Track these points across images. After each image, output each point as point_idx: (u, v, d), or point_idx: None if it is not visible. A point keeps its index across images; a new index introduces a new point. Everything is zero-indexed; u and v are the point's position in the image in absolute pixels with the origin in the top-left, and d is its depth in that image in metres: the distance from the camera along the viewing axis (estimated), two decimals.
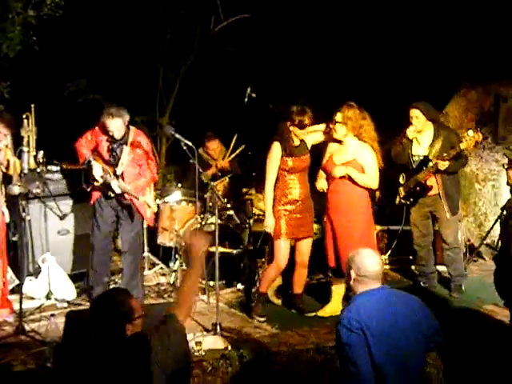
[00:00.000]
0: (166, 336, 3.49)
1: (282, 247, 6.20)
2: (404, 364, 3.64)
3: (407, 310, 3.76)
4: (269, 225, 6.18)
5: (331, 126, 6.11)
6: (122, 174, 6.41)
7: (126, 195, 6.41)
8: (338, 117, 6.05)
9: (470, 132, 6.28)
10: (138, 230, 6.63)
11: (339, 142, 6.16)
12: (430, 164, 6.46)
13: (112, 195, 6.41)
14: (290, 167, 6.17)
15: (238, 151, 7.98)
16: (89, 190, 6.48)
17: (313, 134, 6.29)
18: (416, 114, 6.52)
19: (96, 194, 6.47)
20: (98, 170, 6.33)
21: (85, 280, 6.78)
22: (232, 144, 7.99)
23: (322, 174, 6.31)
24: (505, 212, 6.63)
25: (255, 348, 5.48)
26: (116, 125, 6.28)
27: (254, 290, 6.70)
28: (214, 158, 8.18)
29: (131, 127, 6.50)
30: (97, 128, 6.46)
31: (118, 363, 3.40)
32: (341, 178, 6.12)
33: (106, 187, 6.37)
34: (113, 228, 6.63)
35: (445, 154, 6.39)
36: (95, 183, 6.39)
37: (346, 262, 3.91)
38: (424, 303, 3.91)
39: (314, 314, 6.34)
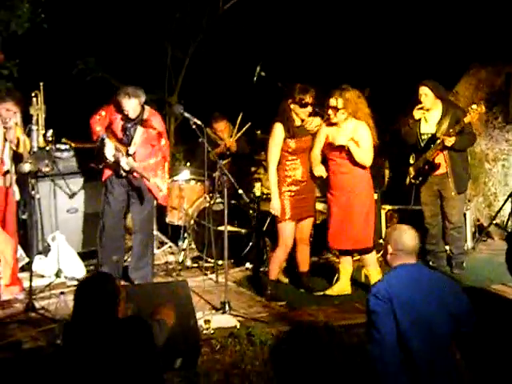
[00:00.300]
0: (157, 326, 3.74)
1: (287, 229, 6.19)
2: (429, 339, 3.72)
3: (436, 289, 3.84)
4: (275, 208, 6.14)
5: (329, 112, 6.06)
6: (134, 153, 6.40)
7: (136, 174, 6.40)
8: (339, 103, 6.00)
9: (474, 105, 6.25)
10: (149, 210, 6.62)
11: (335, 124, 6.15)
12: (438, 141, 6.43)
13: (123, 174, 6.40)
14: (292, 149, 6.14)
15: (243, 130, 7.94)
16: (100, 167, 6.47)
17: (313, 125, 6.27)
18: (425, 92, 6.49)
19: (107, 172, 6.46)
20: (110, 148, 6.32)
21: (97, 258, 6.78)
22: (238, 123, 7.94)
23: (316, 159, 6.25)
24: None
25: (264, 326, 5.49)
26: (132, 105, 6.25)
27: (261, 269, 6.71)
28: (222, 138, 8.14)
29: (146, 107, 6.46)
30: (111, 105, 6.42)
31: (121, 343, 3.45)
32: (341, 158, 6.10)
33: (117, 165, 6.36)
34: (124, 206, 6.60)
35: (451, 130, 6.36)
36: (107, 161, 6.37)
37: (384, 237, 4.08)
38: (460, 288, 4.02)
39: (322, 292, 6.34)
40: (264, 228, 7.16)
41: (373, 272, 6.27)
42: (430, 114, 6.56)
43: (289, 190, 6.17)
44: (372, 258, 6.34)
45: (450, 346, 3.86)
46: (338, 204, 6.22)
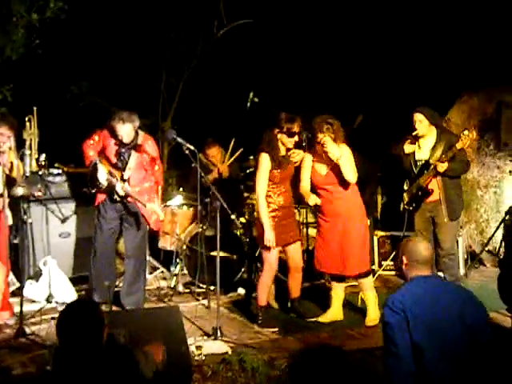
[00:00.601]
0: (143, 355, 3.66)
1: (273, 255, 6.18)
2: (445, 351, 3.71)
3: (452, 301, 3.84)
4: (270, 239, 6.10)
5: (320, 147, 6.08)
6: (129, 178, 6.40)
7: (131, 199, 6.40)
8: (329, 138, 6.03)
9: (465, 131, 6.28)
10: (142, 235, 6.60)
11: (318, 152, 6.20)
12: (431, 167, 6.46)
13: (118, 199, 6.40)
14: (278, 179, 6.15)
15: (236, 155, 7.96)
16: (93, 192, 6.44)
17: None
18: (419, 118, 6.52)
19: (100, 197, 6.44)
20: (102, 173, 6.32)
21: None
22: (230, 148, 7.97)
23: (306, 190, 6.26)
24: (508, 217, 6.61)
25: (255, 353, 5.47)
26: (126, 130, 6.26)
27: (253, 295, 6.69)
28: (214, 163, 8.15)
29: (140, 132, 6.46)
30: (105, 130, 6.42)
31: (105, 373, 3.38)
32: (332, 185, 6.13)
33: (110, 190, 6.36)
34: (116, 231, 6.59)
35: (443, 156, 6.39)
36: (100, 186, 6.37)
37: (399, 249, 4.10)
38: (477, 299, 4.00)
39: (314, 319, 6.32)
40: (256, 253, 7.16)
41: (369, 296, 6.27)
42: (424, 140, 6.59)
43: (273, 216, 6.15)
44: (369, 282, 6.33)
45: (467, 358, 3.79)
46: (334, 231, 6.20)
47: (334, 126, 6.06)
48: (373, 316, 6.18)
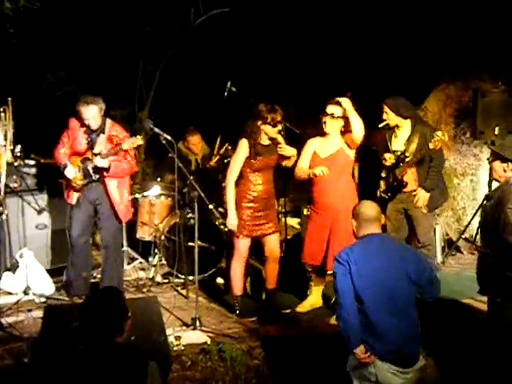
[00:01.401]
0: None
1: (243, 244, 6.18)
2: (388, 302, 4.11)
3: (396, 255, 4.24)
4: (232, 223, 6.11)
5: (327, 119, 6.04)
6: (100, 151, 6.37)
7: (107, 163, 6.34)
8: (339, 111, 5.99)
9: (439, 133, 6.28)
10: (117, 225, 6.59)
11: (322, 135, 6.14)
12: (407, 160, 6.45)
13: (97, 177, 6.35)
14: (255, 167, 6.12)
15: (222, 150, 7.91)
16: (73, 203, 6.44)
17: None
18: (385, 110, 6.51)
19: (74, 194, 6.42)
20: (70, 170, 6.33)
21: (65, 275, 6.72)
22: (217, 145, 7.92)
23: (305, 170, 6.18)
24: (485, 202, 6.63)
25: (234, 342, 5.48)
26: (92, 112, 6.24)
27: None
28: (195, 152, 8.14)
29: (107, 119, 6.45)
30: (71, 124, 6.41)
31: (111, 373, 3.34)
32: (330, 177, 6.02)
33: (88, 175, 6.34)
34: (91, 222, 6.57)
35: (413, 159, 6.37)
36: (77, 186, 6.37)
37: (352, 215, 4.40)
38: (422, 258, 4.46)
39: (289, 310, 6.31)
40: None
41: None
42: (400, 131, 6.59)
43: (249, 207, 6.13)
44: None
45: (411, 310, 4.20)
46: (323, 223, 6.12)
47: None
48: None
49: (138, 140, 6.37)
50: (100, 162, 6.30)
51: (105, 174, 6.39)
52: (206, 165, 7.98)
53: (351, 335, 4.14)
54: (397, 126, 6.57)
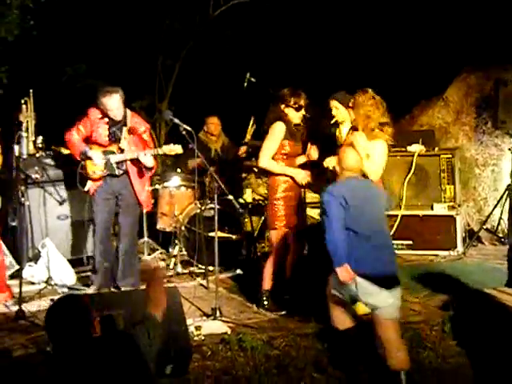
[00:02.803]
0: (146, 333, 3.56)
1: (282, 236, 6.02)
2: (370, 221, 4.92)
3: (375, 192, 5.17)
4: (303, 175, 6.00)
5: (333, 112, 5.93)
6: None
7: (130, 162, 6.37)
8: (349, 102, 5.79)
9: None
10: (136, 215, 6.62)
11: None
12: None
13: (119, 173, 6.38)
14: (288, 151, 6.00)
15: (251, 131, 7.86)
16: (86, 189, 6.42)
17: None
18: (335, 105, 6.02)
19: (95, 185, 6.40)
20: (97, 157, 6.32)
21: (93, 264, 6.69)
22: (250, 128, 7.86)
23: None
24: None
25: (254, 332, 5.48)
26: (115, 101, 6.24)
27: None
28: (214, 134, 8.11)
29: (127, 110, 6.47)
30: (91, 115, 6.38)
31: (104, 359, 3.34)
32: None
33: (110, 168, 6.35)
34: (113, 211, 6.57)
35: None
36: (94, 176, 6.36)
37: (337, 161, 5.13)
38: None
39: None
40: (255, 234, 7.16)
41: None
42: (342, 126, 6.11)
43: (284, 197, 6.00)
44: None
45: (385, 225, 5.22)
46: None
47: (358, 98, 5.72)
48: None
49: (178, 149, 6.36)
50: (144, 159, 6.29)
51: (129, 169, 6.41)
52: (231, 154, 7.99)
53: (338, 253, 4.78)
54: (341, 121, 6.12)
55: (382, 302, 4.79)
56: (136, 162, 6.40)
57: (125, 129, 6.39)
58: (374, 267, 4.80)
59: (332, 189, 4.97)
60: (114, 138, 6.39)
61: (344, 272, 4.77)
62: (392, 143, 5.82)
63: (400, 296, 4.97)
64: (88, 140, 6.40)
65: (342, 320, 5.07)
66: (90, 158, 6.32)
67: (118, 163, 6.35)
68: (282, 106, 6.00)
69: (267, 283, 6.10)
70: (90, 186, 6.41)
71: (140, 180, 6.49)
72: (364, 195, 5.01)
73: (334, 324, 5.11)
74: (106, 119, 6.35)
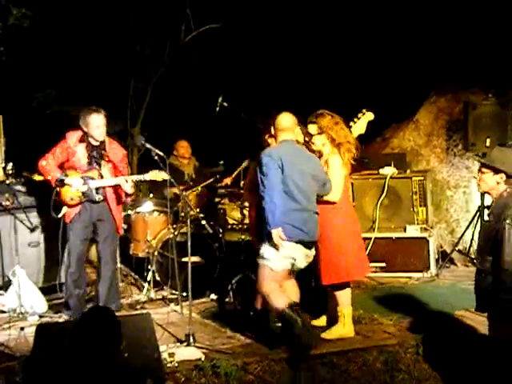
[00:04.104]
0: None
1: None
2: (303, 186, 5.41)
3: (308, 159, 5.59)
4: None
5: (307, 139, 5.87)
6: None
7: (110, 188, 6.36)
8: (313, 129, 5.84)
9: (352, 123, 6.19)
10: (117, 239, 6.61)
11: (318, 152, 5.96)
12: None
13: (100, 198, 6.33)
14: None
15: (241, 167, 7.84)
16: (59, 216, 6.34)
17: None
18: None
19: (72, 212, 6.33)
20: (76, 183, 6.26)
21: (64, 293, 6.60)
22: (242, 167, 7.80)
23: None
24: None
25: (229, 358, 5.44)
26: (101, 119, 6.24)
27: (226, 300, 6.64)
28: (185, 156, 8.16)
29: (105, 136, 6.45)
30: (68, 139, 6.34)
31: None
32: None
33: (90, 195, 6.29)
34: (88, 239, 6.52)
35: None
36: (71, 202, 6.29)
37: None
38: (319, 161, 5.72)
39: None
40: (228, 258, 7.13)
41: (346, 311, 5.88)
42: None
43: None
44: (346, 296, 5.92)
45: (315, 199, 5.57)
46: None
47: (320, 121, 5.86)
48: (345, 331, 5.84)
49: (164, 175, 6.30)
50: (126, 185, 6.28)
51: (108, 195, 6.36)
52: (226, 182, 8.04)
53: (275, 215, 5.23)
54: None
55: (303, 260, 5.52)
56: (115, 188, 6.38)
57: (104, 154, 6.36)
58: (301, 229, 5.38)
59: (270, 151, 5.44)
60: (94, 163, 6.35)
61: (277, 235, 5.26)
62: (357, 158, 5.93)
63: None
64: (62, 165, 6.35)
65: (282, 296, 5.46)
66: (67, 185, 6.26)
67: (97, 189, 6.31)
68: (266, 136, 6.00)
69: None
70: (64, 211, 6.34)
71: (118, 206, 6.49)
72: (297, 159, 5.43)
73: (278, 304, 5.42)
74: (85, 144, 6.31)
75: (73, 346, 3.41)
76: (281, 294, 5.52)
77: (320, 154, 5.88)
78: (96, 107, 6.31)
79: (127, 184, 6.31)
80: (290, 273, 5.66)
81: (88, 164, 6.34)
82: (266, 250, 5.47)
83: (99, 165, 6.35)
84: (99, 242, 6.51)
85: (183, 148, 8.22)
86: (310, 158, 5.64)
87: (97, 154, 6.35)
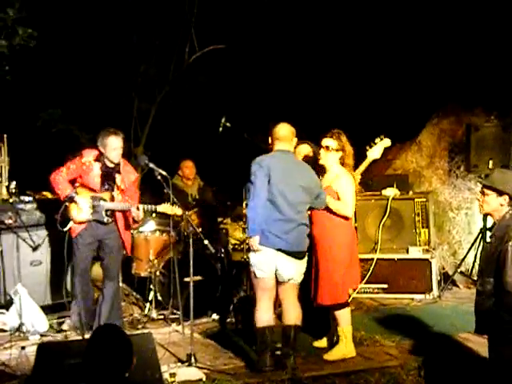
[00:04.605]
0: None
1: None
2: (287, 199, 5.47)
3: (300, 170, 5.65)
4: None
5: (322, 152, 5.92)
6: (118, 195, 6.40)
7: (119, 212, 6.39)
8: (334, 144, 5.88)
9: (368, 147, 6.29)
10: (120, 260, 6.62)
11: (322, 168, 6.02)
12: None
13: (109, 221, 6.34)
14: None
15: None
16: (65, 229, 6.32)
17: None
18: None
19: (77, 228, 6.32)
20: (85, 203, 6.26)
21: (73, 310, 6.58)
22: None
23: None
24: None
25: (230, 378, 5.42)
26: (120, 141, 6.27)
27: (228, 320, 6.63)
28: (189, 177, 8.18)
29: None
30: (84, 157, 6.33)
31: None
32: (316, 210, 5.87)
33: (99, 215, 6.29)
34: (92, 257, 6.52)
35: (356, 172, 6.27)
36: (78, 219, 6.30)
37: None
38: (314, 174, 5.73)
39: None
40: (231, 277, 7.12)
41: (346, 331, 5.88)
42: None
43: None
44: (345, 315, 5.93)
45: (306, 212, 5.65)
46: (313, 255, 5.93)
47: (342, 137, 5.96)
48: (346, 350, 5.85)
49: (178, 211, 6.34)
50: (136, 212, 6.28)
51: (117, 217, 6.38)
52: (207, 197, 8.07)
53: (255, 223, 5.41)
54: None
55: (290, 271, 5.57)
56: (123, 211, 6.40)
57: (118, 176, 6.38)
58: (280, 238, 5.47)
59: (260, 160, 5.53)
60: (107, 184, 6.35)
61: (254, 241, 5.46)
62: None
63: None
64: (74, 181, 6.35)
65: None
66: (75, 203, 6.26)
67: (107, 211, 6.32)
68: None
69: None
70: (70, 225, 6.31)
71: (126, 227, 6.50)
72: (287, 169, 5.51)
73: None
74: (100, 164, 6.32)
75: (86, 363, 3.42)
76: (266, 309, 5.61)
77: (324, 169, 5.94)
78: (115, 129, 6.31)
79: (138, 211, 6.30)
80: (292, 290, 5.67)
81: (101, 184, 6.34)
82: (251, 255, 5.65)
83: (111, 186, 6.37)
84: (104, 259, 6.53)
85: (188, 168, 8.26)
86: (303, 169, 5.68)
87: (110, 176, 6.36)
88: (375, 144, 6.35)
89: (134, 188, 6.58)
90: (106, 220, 6.32)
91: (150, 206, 6.42)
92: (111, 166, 6.34)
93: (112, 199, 6.34)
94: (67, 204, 6.25)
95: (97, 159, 6.32)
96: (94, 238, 6.39)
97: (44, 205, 7.14)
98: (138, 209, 6.29)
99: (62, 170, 6.33)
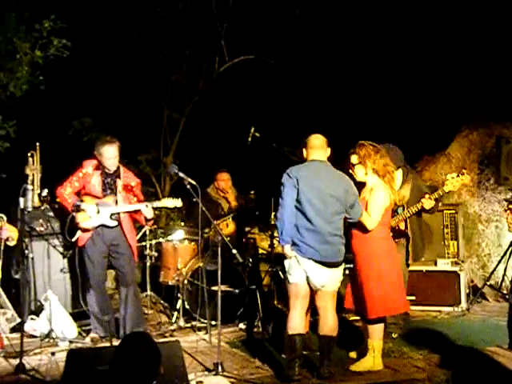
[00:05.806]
0: None
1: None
2: (321, 212, 5.46)
3: (333, 180, 5.56)
4: None
5: (350, 170, 5.89)
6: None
7: (126, 213, 6.51)
8: (354, 159, 5.86)
9: (449, 176, 6.22)
10: (133, 263, 6.68)
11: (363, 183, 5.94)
12: (400, 210, 6.28)
13: (115, 224, 6.44)
14: None
15: None
16: (73, 240, 6.46)
17: None
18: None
19: (85, 236, 6.45)
20: (91, 209, 6.40)
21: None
22: None
23: None
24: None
25: None
26: (116, 151, 6.41)
27: (255, 330, 6.63)
28: (226, 190, 8.12)
29: (120, 165, 6.60)
30: (84, 167, 6.51)
31: None
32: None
33: (105, 220, 6.42)
34: (106, 263, 6.60)
35: (429, 196, 6.28)
36: (86, 226, 6.41)
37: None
38: (352, 184, 5.66)
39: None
40: (258, 287, 7.13)
41: (377, 345, 5.84)
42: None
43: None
44: (379, 330, 5.87)
45: (339, 222, 5.57)
46: (355, 267, 5.91)
47: (360, 151, 5.88)
48: (374, 363, 5.79)
49: (178, 203, 6.58)
50: (146, 211, 6.45)
51: (122, 219, 6.48)
52: (228, 200, 8.05)
53: (285, 233, 5.43)
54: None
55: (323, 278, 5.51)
56: (130, 214, 6.54)
57: (119, 181, 6.51)
58: (313, 247, 5.46)
59: (290, 170, 5.54)
60: (109, 190, 6.49)
61: (287, 249, 5.48)
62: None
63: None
64: (79, 192, 6.51)
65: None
66: (82, 210, 6.38)
67: (112, 214, 6.43)
68: None
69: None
70: (78, 235, 6.46)
71: (131, 229, 6.62)
72: (317, 178, 5.49)
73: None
74: (100, 171, 6.47)
75: (114, 370, 3.45)
76: (298, 317, 5.57)
77: (363, 184, 5.90)
78: (110, 138, 6.47)
79: (147, 209, 6.46)
80: (327, 297, 5.60)
81: (103, 191, 6.49)
82: (285, 262, 5.65)
83: (113, 191, 6.49)
84: (117, 266, 6.63)
85: (223, 182, 8.09)
86: (335, 179, 5.59)
87: (111, 181, 6.51)
88: (457, 176, 6.24)
89: (138, 192, 6.69)
90: (111, 224, 6.45)
91: (155, 203, 6.60)
92: (110, 172, 6.50)
93: (115, 203, 6.48)
94: (74, 214, 6.39)
95: (96, 168, 6.49)
96: (102, 243, 6.49)
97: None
98: (146, 206, 6.46)
99: (65, 184, 6.52)
